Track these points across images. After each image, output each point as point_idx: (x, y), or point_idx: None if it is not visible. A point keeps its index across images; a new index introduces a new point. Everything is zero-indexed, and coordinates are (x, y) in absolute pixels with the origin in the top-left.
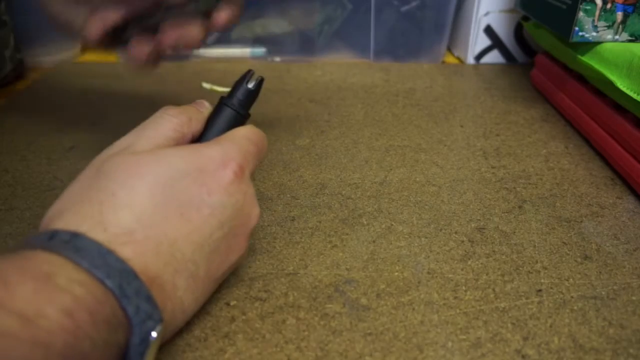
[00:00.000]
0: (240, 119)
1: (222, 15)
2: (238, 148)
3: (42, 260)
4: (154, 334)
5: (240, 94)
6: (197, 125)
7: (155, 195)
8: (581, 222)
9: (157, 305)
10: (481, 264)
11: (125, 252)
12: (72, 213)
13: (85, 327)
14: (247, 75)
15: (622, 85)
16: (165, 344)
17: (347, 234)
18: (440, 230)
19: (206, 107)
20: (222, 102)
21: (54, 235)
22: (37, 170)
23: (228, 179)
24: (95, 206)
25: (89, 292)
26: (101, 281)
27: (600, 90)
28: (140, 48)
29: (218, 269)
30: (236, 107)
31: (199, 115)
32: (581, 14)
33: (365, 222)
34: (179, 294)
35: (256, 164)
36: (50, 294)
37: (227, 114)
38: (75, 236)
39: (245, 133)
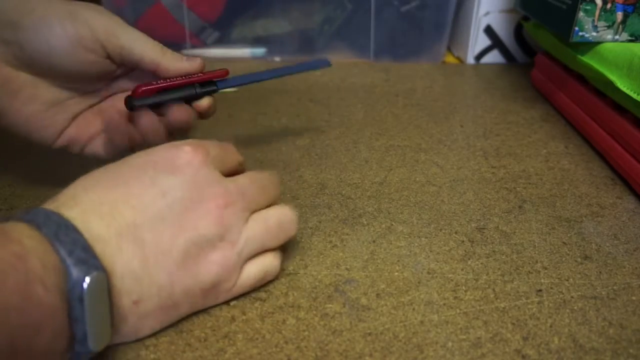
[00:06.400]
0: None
1: (204, 103)
2: (197, 142)
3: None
4: (88, 277)
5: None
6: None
7: (103, 172)
8: (581, 222)
9: (96, 255)
10: (481, 264)
11: (70, 213)
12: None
13: (36, 270)
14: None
15: (622, 85)
16: (165, 343)
17: (347, 234)
18: (440, 230)
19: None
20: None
21: (12, 214)
22: (37, 170)
23: (180, 158)
24: (63, 190)
25: (38, 242)
26: (39, 229)
27: (600, 90)
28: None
29: (171, 241)
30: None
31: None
32: (581, 14)
33: (365, 222)
34: (126, 257)
35: (223, 160)
36: (3, 242)
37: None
38: (29, 209)
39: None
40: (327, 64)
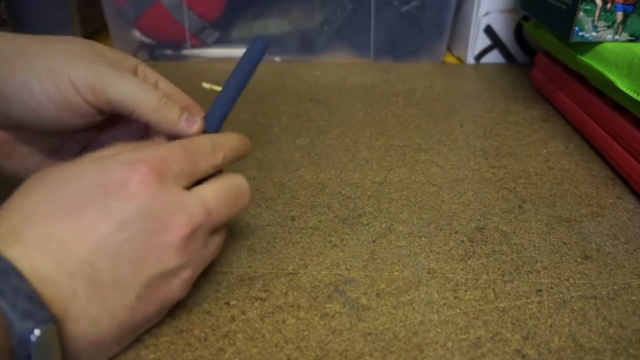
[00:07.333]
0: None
1: None
2: (156, 152)
3: None
4: (34, 335)
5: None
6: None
7: (47, 196)
8: (581, 222)
9: (44, 305)
10: (481, 263)
11: (12, 252)
12: None
13: None
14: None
15: (622, 85)
16: (165, 343)
17: (347, 234)
18: (440, 230)
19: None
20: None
21: None
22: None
23: (133, 180)
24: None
25: None
26: None
27: (600, 90)
28: None
29: (131, 277)
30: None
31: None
32: (581, 14)
33: (365, 222)
34: (80, 301)
35: (190, 170)
36: None
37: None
38: None
39: (181, 140)
40: (265, 44)
